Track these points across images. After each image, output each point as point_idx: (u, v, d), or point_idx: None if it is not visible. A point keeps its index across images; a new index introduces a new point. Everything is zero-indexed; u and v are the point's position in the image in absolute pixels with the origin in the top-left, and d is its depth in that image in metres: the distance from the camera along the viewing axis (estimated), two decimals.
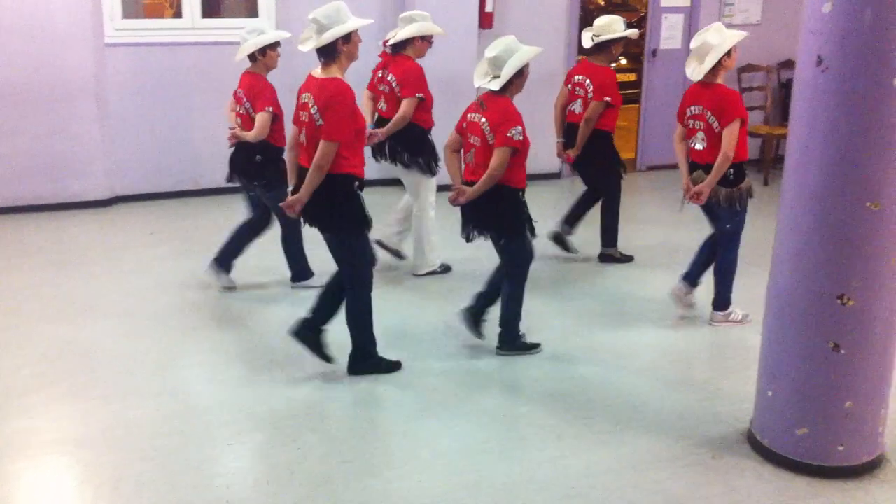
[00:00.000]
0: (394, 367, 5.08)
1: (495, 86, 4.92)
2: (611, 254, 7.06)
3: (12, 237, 7.48)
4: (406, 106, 6.17)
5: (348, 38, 4.67)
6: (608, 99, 6.60)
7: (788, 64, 10.06)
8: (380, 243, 6.55)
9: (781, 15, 10.04)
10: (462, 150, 5.23)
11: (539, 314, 5.85)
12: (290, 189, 4.93)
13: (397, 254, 6.77)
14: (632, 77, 13.74)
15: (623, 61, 14.13)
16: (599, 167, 6.89)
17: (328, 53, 4.68)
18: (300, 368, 5.10)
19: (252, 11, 8.89)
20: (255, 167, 5.89)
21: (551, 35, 9.36)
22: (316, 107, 4.65)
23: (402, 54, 6.28)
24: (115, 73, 8.29)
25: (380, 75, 6.38)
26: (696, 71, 5.40)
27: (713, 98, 5.38)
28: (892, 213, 3.83)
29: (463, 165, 5.25)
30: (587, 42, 6.72)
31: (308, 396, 4.86)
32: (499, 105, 4.97)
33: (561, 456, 4.26)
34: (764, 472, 4.15)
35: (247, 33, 5.88)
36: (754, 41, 10.14)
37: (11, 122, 7.95)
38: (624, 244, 7.14)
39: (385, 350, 5.15)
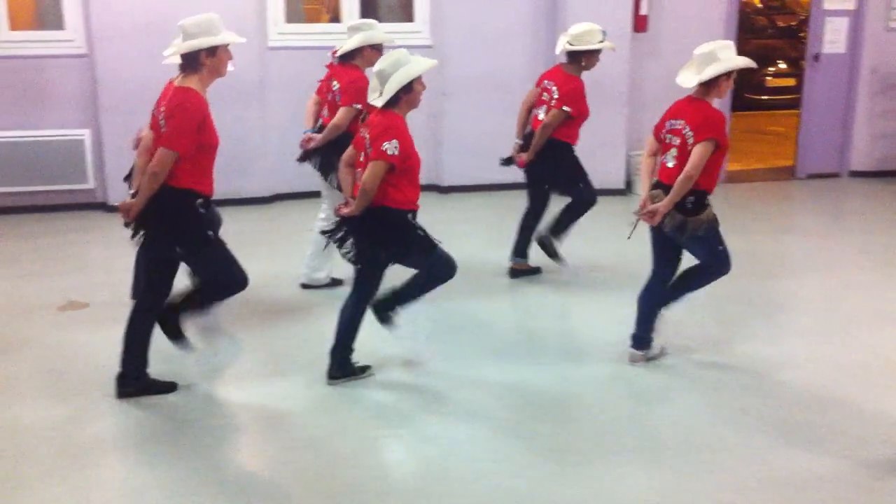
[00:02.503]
0: (168, 388, 4.88)
1: (378, 103, 4.71)
2: (546, 244, 6.70)
3: None
4: (341, 114, 5.90)
5: (213, 51, 4.52)
6: (568, 109, 6.32)
7: None
8: (306, 286, 6.46)
9: None
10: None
11: (690, 322, 5.73)
12: (131, 192, 4.66)
13: (337, 282, 6.48)
14: (791, 82, 13.34)
15: (782, 65, 13.74)
16: (557, 179, 6.58)
17: (189, 63, 4.53)
18: (449, 363, 5.17)
19: (408, 16, 9.08)
20: None
21: (705, 38, 9.02)
22: (164, 113, 4.48)
23: (351, 63, 6.05)
24: (276, 77, 8.62)
25: (329, 84, 6.17)
26: (690, 79, 4.93)
27: (696, 113, 4.87)
28: None
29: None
30: (559, 48, 6.46)
31: (456, 394, 4.91)
32: (382, 119, 4.70)
33: (712, 469, 4.16)
34: None
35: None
36: None
37: None
38: (778, 253, 6.93)
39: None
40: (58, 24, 8.34)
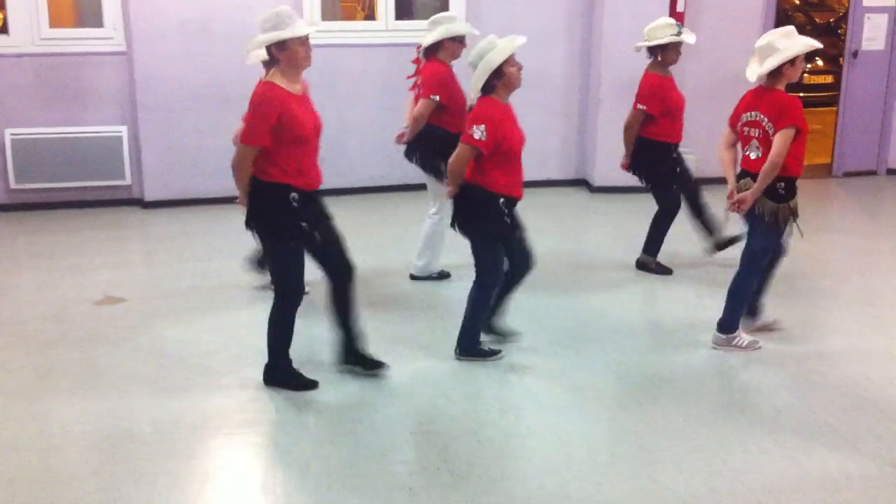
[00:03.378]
0: (309, 385, 4.89)
1: (473, 95, 4.94)
2: (647, 263, 6.76)
3: (219, 226, 8.00)
4: (420, 106, 6.10)
5: (283, 45, 4.49)
6: (642, 107, 6.36)
7: None
8: (415, 277, 6.56)
9: None
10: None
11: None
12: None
13: (442, 275, 6.61)
14: (828, 79, 13.18)
15: (819, 62, 13.58)
16: (652, 178, 6.64)
17: (270, 58, 4.62)
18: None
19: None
20: None
21: (743, 35, 9.07)
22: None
23: (434, 57, 6.19)
24: (312, 74, 8.62)
25: (417, 80, 6.34)
26: (754, 71, 5.05)
27: (771, 103, 5.02)
28: None
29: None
30: (637, 47, 6.53)
31: (488, 393, 4.93)
32: (478, 106, 4.93)
33: (745, 470, 4.14)
34: None
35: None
36: None
37: (216, 120, 8.44)
38: (815, 252, 6.85)
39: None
40: (97, 21, 8.44)
